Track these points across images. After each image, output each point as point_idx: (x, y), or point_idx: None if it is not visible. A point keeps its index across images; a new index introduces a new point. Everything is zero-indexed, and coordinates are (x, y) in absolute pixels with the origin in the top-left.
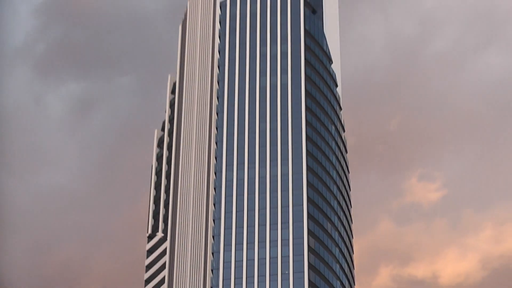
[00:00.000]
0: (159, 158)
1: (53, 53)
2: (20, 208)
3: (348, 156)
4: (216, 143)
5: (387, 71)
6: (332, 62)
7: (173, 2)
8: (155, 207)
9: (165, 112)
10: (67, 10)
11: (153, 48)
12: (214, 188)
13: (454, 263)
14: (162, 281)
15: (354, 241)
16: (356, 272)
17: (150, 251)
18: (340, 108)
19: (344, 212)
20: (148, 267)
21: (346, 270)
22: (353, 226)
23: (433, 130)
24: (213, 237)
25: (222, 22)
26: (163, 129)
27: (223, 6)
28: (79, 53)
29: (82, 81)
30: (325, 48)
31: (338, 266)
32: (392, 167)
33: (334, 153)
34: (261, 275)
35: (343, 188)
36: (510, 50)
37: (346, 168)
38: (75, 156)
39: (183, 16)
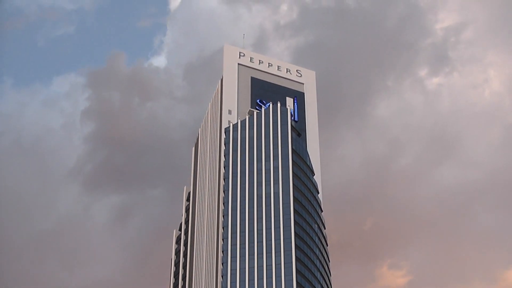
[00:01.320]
0: (177, 252)
1: (98, 171)
2: None
3: (330, 249)
4: (222, 240)
5: (361, 182)
6: (314, 174)
7: (189, 130)
8: None
9: (182, 215)
10: (110, 137)
11: (174, 166)
12: (222, 276)
13: None
14: None
15: None
16: None
17: None
18: (322, 210)
19: None
20: None
21: None
22: None
23: (400, 229)
24: None
25: (227, 144)
26: (180, 229)
27: (227, 131)
28: (119, 171)
29: (121, 194)
30: (308, 163)
31: None
32: (366, 258)
33: (318, 246)
34: None
35: (326, 275)
36: (460, 164)
37: (327, 259)
38: (115, 253)
39: (195, 140)
